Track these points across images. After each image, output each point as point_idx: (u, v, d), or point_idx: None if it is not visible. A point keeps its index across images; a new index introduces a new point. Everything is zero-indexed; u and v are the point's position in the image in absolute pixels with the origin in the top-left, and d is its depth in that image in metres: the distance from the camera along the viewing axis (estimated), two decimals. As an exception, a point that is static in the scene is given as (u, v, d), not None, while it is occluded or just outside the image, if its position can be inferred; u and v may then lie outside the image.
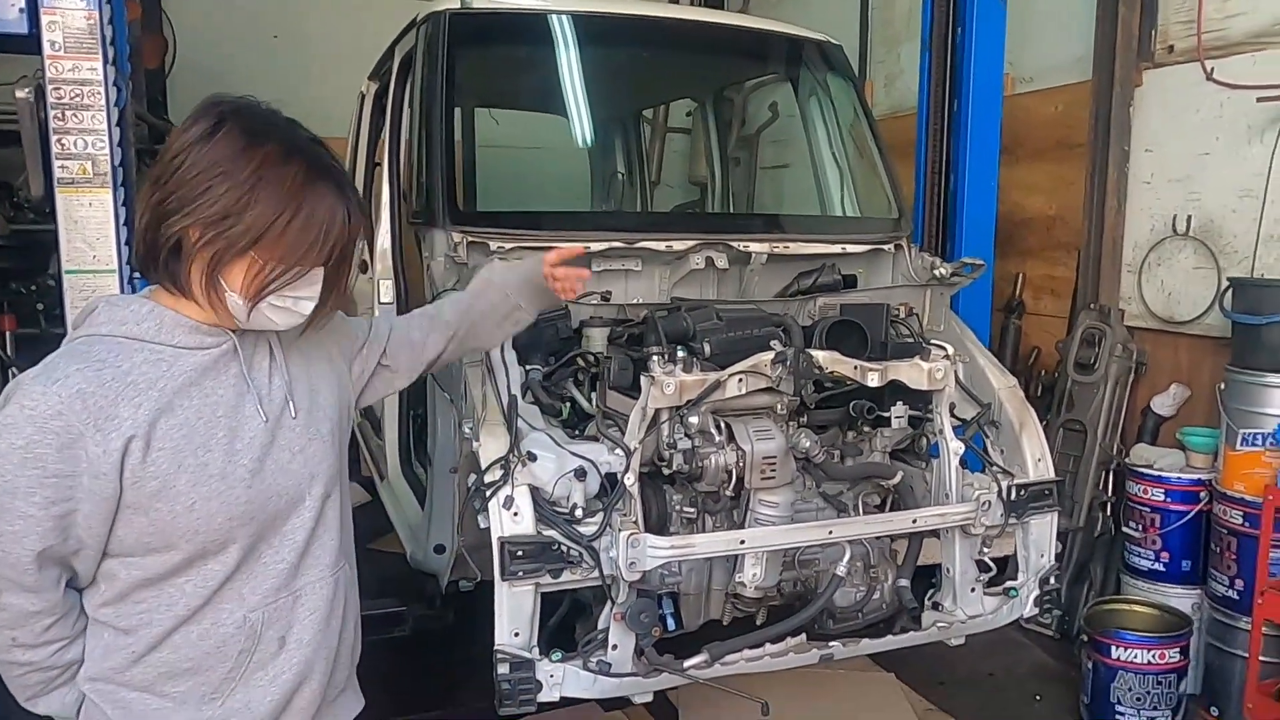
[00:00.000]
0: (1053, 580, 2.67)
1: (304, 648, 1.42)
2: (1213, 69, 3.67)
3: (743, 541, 2.25)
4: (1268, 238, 3.51)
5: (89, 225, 2.90)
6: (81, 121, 2.84)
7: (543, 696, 2.17)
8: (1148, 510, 3.60)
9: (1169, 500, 3.54)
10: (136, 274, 3.01)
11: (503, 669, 2.13)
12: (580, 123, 3.69)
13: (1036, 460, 2.64)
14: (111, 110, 2.88)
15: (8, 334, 4.48)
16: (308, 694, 1.44)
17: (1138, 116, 4.03)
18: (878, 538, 2.59)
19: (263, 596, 1.37)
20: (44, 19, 2.76)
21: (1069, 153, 4.36)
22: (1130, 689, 3.17)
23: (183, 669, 1.35)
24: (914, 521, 2.44)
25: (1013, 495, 2.55)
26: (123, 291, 2.92)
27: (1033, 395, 4.50)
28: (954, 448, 2.53)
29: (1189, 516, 3.50)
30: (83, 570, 1.33)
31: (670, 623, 2.44)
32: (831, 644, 2.40)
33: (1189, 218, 3.81)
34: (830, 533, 2.32)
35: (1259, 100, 3.43)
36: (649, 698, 2.31)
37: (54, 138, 2.84)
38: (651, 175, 5.70)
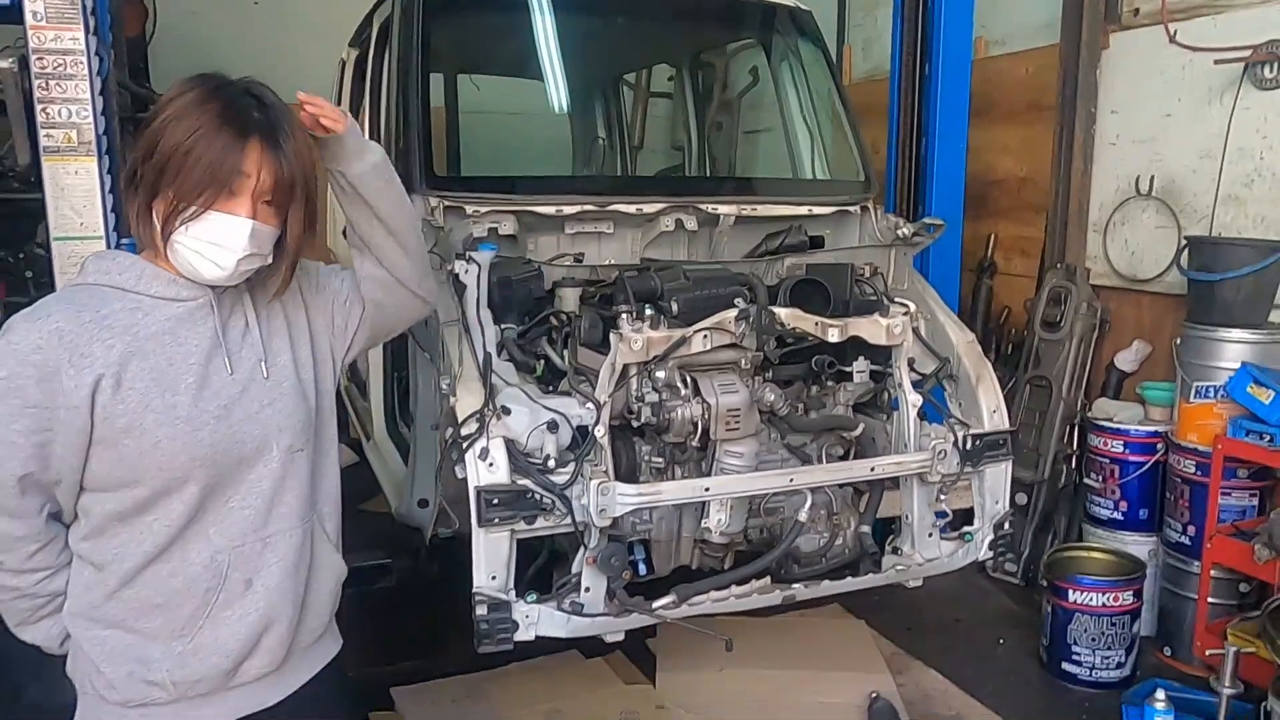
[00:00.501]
0: (1007, 525, 2.80)
1: (270, 592, 1.49)
2: (1176, 31, 3.76)
3: (708, 489, 2.37)
4: (1225, 197, 3.62)
5: (75, 193, 2.97)
6: (65, 91, 2.90)
7: (519, 636, 2.29)
8: (1107, 462, 3.74)
9: (1128, 452, 3.69)
10: (124, 240, 3.10)
11: (481, 610, 2.25)
12: (559, 88, 3.76)
13: (992, 411, 2.76)
14: (94, 79, 2.94)
15: (-2, 301, 4.56)
16: (274, 636, 1.51)
17: (1104, 79, 4.12)
18: (840, 486, 2.72)
19: (230, 540, 1.46)
20: (26, -12, 2.81)
21: (1039, 114, 4.45)
22: (1086, 630, 3.32)
23: (154, 604, 1.44)
24: (872, 469, 2.56)
25: (968, 445, 2.67)
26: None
27: (1003, 353, 4.64)
28: (912, 400, 2.64)
29: (1146, 467, 3.64)
30: (64, 503, 1.44)
31: (642, 568, 2.57)
32: (794, 585, 2.54)
33: (1152, 178, 3.92)
34: (791, 480, 2.44)
35: (1216, 62, 3.52)
36: (620, 637, 2.44)
37: (38, 107, 2.90)
38: (633, 140, 5.75)
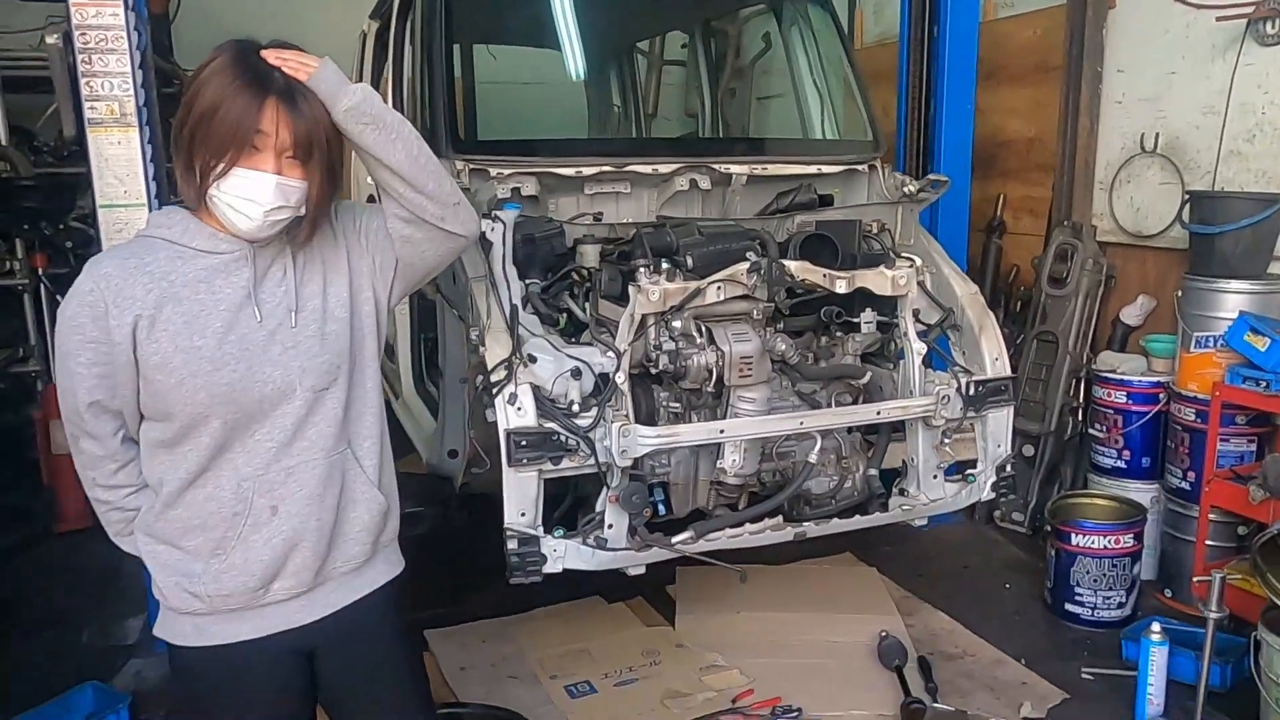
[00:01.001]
0: (1009, 468, 2.94)
1: (293, 518, 1.61)
2: (1180, -11, 3.82)
3: (722, 431, 2.52)
4: (1228, 154, 3.70)
5: (119, 162, 3.13)
6: (107, 65, 3.05)
7: (547, 568, 2.46)
8: (1111, 412, 3.86)
9: (1131, 402, 3.80)
10: (165, 206, 3.26)
11: (511, 544, 2.41)
12: (574, 57, 3.87)
13: (994, 359, 2.89)
14: (134, 53, 3.09)
15: (40, 271, 4.76)
16: (299, 560, 1.63)
17: (1110, 38, 4.19)
18: (849, 431, 2.86)
19: (255, 469, 1.59)
20: (66, -34, 2.94)
21: (1047, 75, 4.52)
22: (1088, 572, 3.46)
23: (193, 525, 1.61)
24: (878, 413, 2.70)
25: (971, 390, 2.80)
26: (151, 223, 3.16)
27: (1012, 310, 4.75)
28: (917, 348, 2.78)
29: (1148, 416, 3.76)
30: (130, 428, 1.62)
31: (661, 509, 2.73)
32: (805, 524, 2.69)
33: (1156, 135, 4.00)
34: (801, 423, 2.58)
35: (1218, 20, 3.59)
36: (641, 570, 2.60)
37: (82, 81, 3.06)
38: (648, 108, 5.86)
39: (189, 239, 1.57)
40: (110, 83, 3.08)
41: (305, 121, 1.53)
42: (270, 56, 1.54)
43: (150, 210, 3.15)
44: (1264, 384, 3.15)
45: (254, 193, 1.51)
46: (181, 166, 1.55)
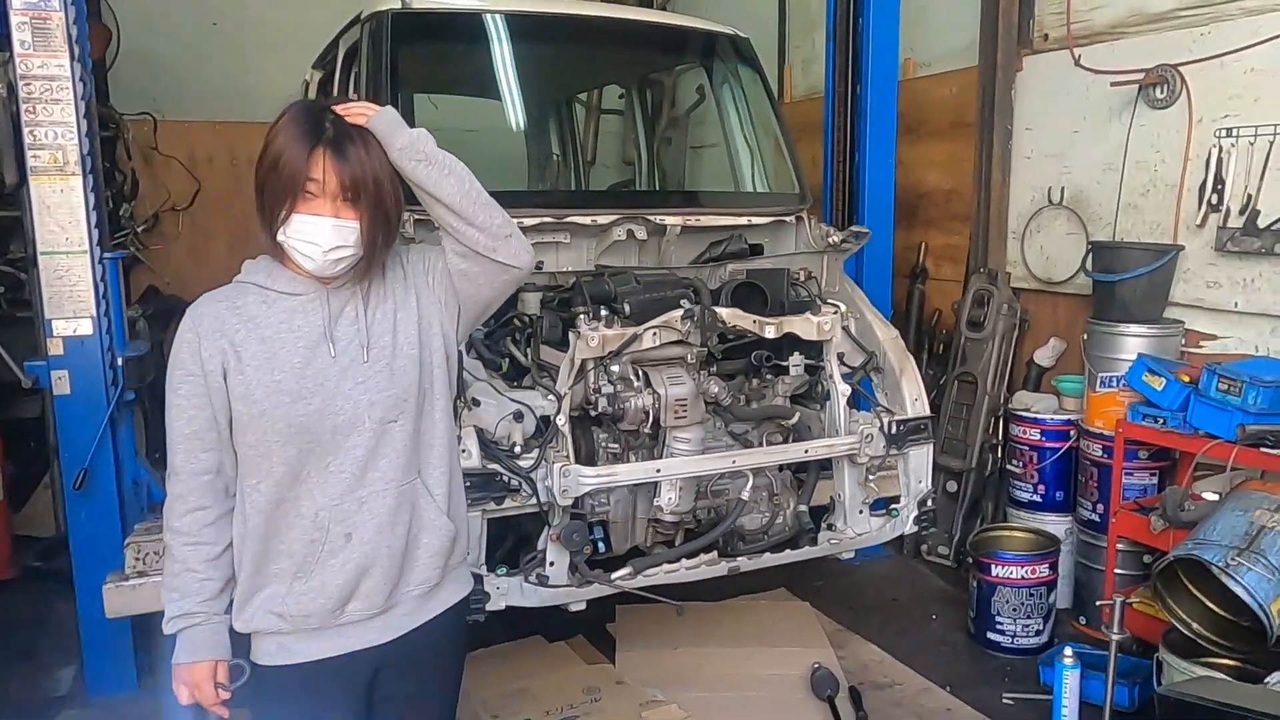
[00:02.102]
0: (930, 502, 3.10)
1: (365, 544, 1.71)
2: (1080, 56, 4.13)
3: (659, 470, 2.64)
4: (1126, 206, 3.99)
5: (60, 210, 3.16)
6: (51, 114, 3.10)
7: (490, 606, 2.53)
8: (1026, 449, 4.08)
9: (1044, 439, 4.03)
10: (107, 254, 3.29)
11: (456, 583, 2.48)
12: (515, 108, 4.02)
13: (914, 399, 3.07)
14: (79, 103, 3.13)
15: (-28, 317, 4.66)
16: (371, 583, 1.73)
17: (1019, 98, 4.48)
18: (780, 469, 3.00)
19: (330, 498, 1.70)
20: (14, 18, 3.00)
21: (962, 131, 4.81)
22: (1008, 601, 3.63)
23: (279, 550, 1.72)
24: (806, 451, 2.85)
25: (893, 429, 2.97)
26: (93, 271, 3.19)
27: (935, 352, 4.98)
28: (842, 390, 2.94)
29: (1060, 453, 3.98)
30: (226, 466, 1.73)
31: (601, 547, 2.82)
32: (738, 559, 2.81)
33: (1063, 189, 4.28)
34: (734, 462, 2.72)
35: (1112, 84, 3.89)
36: (582, 606, 2.69)
37: (25, 130, 3.09)
38: (587, 155, 6.02)
39: (272, 283, 1.72)
40: (54, 131, 3.12)
41: (351, 166, 1.65)
42: (338, 108, 1.70)
43: (91, 258, 3.18)
44: (1161, 420, 3.38)
45: (313, 235, 1.64)
46: (260, 217, 1.69)
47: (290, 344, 1.68)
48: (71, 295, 3.18)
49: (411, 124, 1.74)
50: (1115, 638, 2.74)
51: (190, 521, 1.72)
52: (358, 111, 1.71)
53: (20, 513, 4.53)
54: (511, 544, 2.86)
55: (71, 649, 3.44)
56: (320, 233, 1.64)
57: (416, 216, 2.68)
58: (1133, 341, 3.66)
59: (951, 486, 4.47)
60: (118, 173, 5.59)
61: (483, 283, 1.80)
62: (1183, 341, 3.74)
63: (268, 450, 1.67)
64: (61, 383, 3.19)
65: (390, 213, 1.71)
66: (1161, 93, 3.78)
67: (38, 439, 4.51)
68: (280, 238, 1.67)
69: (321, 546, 1.71)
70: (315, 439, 1.68)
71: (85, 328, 3.19)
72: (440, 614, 1.86)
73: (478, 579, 2.50)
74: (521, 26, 3.43)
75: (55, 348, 3.17)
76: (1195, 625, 2.93)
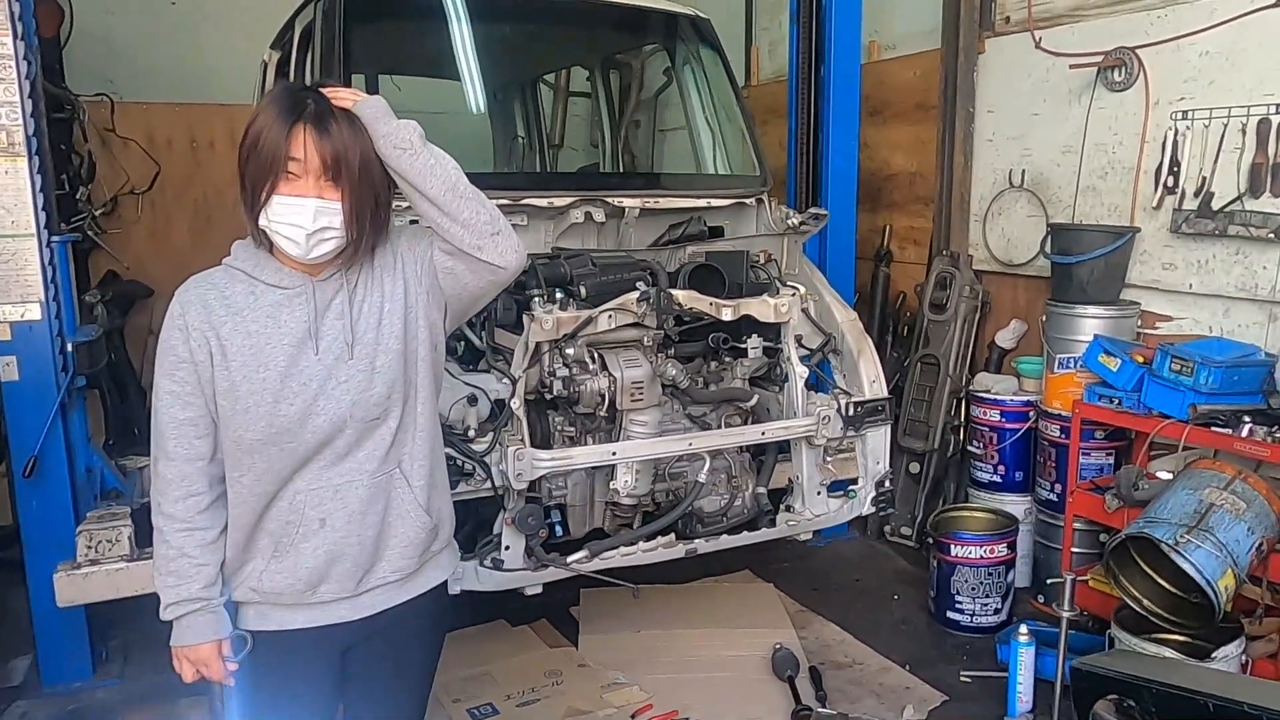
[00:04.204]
0: (887, 484, 3.12)
1: (336, 532, 1.71)
2: (1041, 38, 4.14)
3: (614, 453, 2.63)
4: (1085, 188, 4.02)
5: (6, 192, 3.09)
6: (-6, 94, 3.02)
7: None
8: (987, 430, 4.12)
9: (1004, 420, 4.06)
10: (55, 237, 3.22)
11: (409, 568, 2.46)
12: (477, 88, 3.96)
13: (872, 381, 3.08)
14: (24, 82, 3.06)
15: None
16: (341, 569, 1.73)
17: (981, 81, 4.50)
18: (739, 452, 3.00)
19: (307, 484, 1.69)
20: (-46, -4, 2.91)
21: (926, 114, 4.82)
22: (966, 581, 3.67)
23: (261, 528, 1.72)
24: (763, 434, 2.85)
25: (850, 411, 2.98)
26: (40, 253, 3.13)
27: (899, 335, 5.01)
28: (799, 372, 2.95)
29: (1020, 434, 4.02)
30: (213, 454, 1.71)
31: (559, 530, 2.82)
32: (696, 541, 2.81)
33: (1023, 172, 4.30)
34: (690, 445, 2.71)
35: (1071, 67, 3.91)
36: (539, 590, 2.68)
37: (-33, 109, 3.01)
38: (553, 139, 5.97)
39: (259, 272, 1.68)
40: (-2, 112, 3.04)
41: (334, 142, 1.61)
42: (325, 90, 1.66)
43: (39, 241, 3.12)
44: (1116, 401, 3.42)
45: (295, 217, 1.60)
46: (243, 202, 1.65)
47: (276, 341, 1.65)
48: (19, 279, 3.11)
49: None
50: (1066, 615, 2.78)
51: (185, 508, 1.69)
52: (345, 95, 1.67)
53: (-26, 501, 4.46)
54: (470, 528, 2.85)
55: (25, 639, 3.39)
56: (303, 214, 1.60)
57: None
58: (1090, 323, 3.69)
59: (914, 468, 4.50)
60: (74, 155, 5.47)
61: (468, 280, 1.75)
62: (1139, 323, 3.77)
63: (249, 446, 1.66)
64: (9, 369, 3.13)
65: (379, 194, 1.67)
66: (1120, 75, 3.80)
67: (-6, 426, 4.44)
68: (263, 222, 1.62)
69: (296, 529, 1.70)
70: (295, 438, 1.66)
71: (34, 313, 3.13)
72: (418, 595, 1.86)
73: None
74: (477, 4, 3.39)
75: (2, 333, 3.10)
76: (1147, 602, 2.97)
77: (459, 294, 1.77)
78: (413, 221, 2.30)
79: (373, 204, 1.66)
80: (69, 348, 3.21)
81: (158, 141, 6.02)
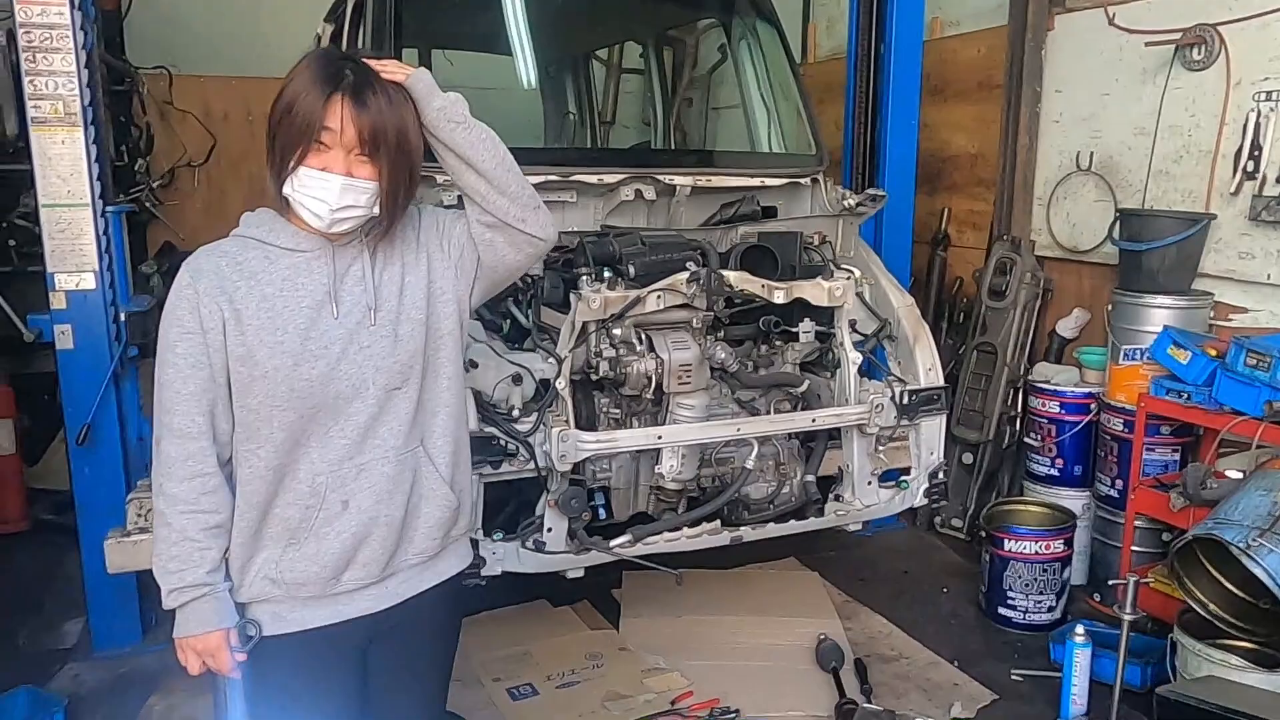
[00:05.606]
0: (941, 475, 3.02)
1: (362, 513, 1.66)
2: (1114, 14, 3.96)
3: (660, 437, 2.57)
4: (1157, 172, 3.84)
5: (62, 162, 3.11)
6: (52, 64, 3.04)
7: (486, 571, 2.49)
8: (1045, 421, 3.98)
9: (1064, 412, 3.92)
10: (109, 207, 3.25)
11: (451, 547, 2.44)
12: (528, 64, 3.91)
13: (928, 369, 2.97)
14: (80, 53, 3.08)
15: (-16, 270, 4.66)
16: (368, 552, 1.68)
17: (1049, 59, 4.32)
18: (788, 438, 2.93)
19: (329, 464, 1.64)
20: (12, -35, 2.93)
21: (990, 93, 4.65)
22: (1020, 576, 3.56)
23: (272, 515, 1.66)
24: (813, 420, 2.77)
25: (904, 399, 2.88)
26: (95, 223, 3.16)
27: (955, 321, 4.87)
28: (852, 358, 2.86)
29: (1080, 426, 3.88)
30: (221, 428, 1.65)
31: (602, 513, 2.78)
32: (741, 528, 2.75)
33: (1091, 154, 4.13)
34: (738, 430, 2.65)
35: (1148, 45, 3.73)
36: (580, 573, 2.64)
37: (26, 79, 3.04)
38: (605, 116, 5.90)
39: (275, 238, 1.64)
40: (55, 81, 3.06)
41: (372, 116, 1.57)
42: (372, 62, 1.62)
43: (94, 211, 3.14)
44: (1185, 395, 3.27)
45: (322, 192, 1.57)
46: (269, 166, 1.62)
47: (294, 303, 1.61)
48: (74, 249, 3.14)
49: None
50: (1128, 617, 2.67)
51: (189, 488, 1.63)
52: (394, 69, 1.64)
53: (36, 466, 4.56)
54: (513, 509, 2.82)
55: (79, 603, 3.45)
56: (329, 191, 1.57)
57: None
58: (1159, 313, 3.54)
59: (967, 459, 4.38)
60: (133, 127, 5.56)
61: (506, 253, 1.75)
62: (1211, 314, 3.60)
63: (269, 415, 1.61)
64: (65, 337, 3.17)
65: (414, 169, 1.65)
66: (1199, 53, 3.62)
67: (54, 394, 4.52)
68: (287, 190, 1.59)
69: (317, 513, 1.65)
70: (318, 404, 1.62)
71: (88, 282, 3.16)
72: (437, 585, 1.82)
73: (474, 544, 2.47)
74: (534, -24, 3.32)
75: (58, 301, 3.14)
76: (1212, 606, 2.85)
77: (495, 267, 1.76)
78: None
79: (408, 178, 1.63)
80: (122, 317, 3.24)
81: (214, 114, 6.09)
